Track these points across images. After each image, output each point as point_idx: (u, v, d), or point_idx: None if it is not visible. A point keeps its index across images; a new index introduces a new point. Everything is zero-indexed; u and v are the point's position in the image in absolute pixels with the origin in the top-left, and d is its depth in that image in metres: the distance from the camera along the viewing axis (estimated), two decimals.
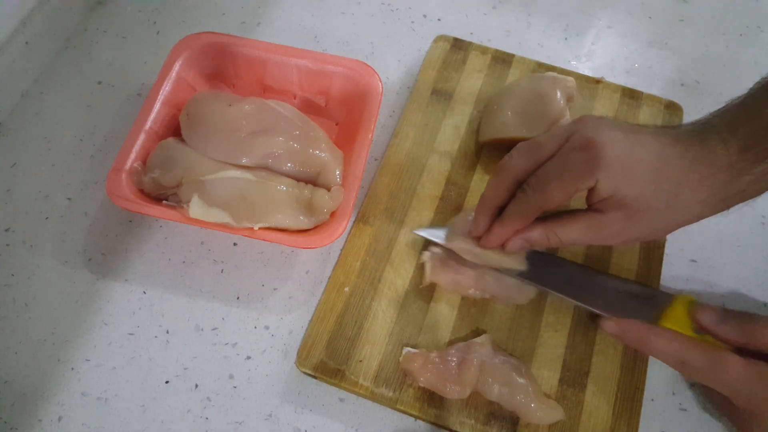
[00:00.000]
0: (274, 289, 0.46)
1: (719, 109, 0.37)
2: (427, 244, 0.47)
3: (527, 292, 0.44)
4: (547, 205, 0.37)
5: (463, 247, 0.43)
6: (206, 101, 0.48)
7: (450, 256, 0.45)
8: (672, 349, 0.37)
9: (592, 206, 0.37)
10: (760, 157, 0.34)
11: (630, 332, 0.39)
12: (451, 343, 0.44)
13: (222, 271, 0.47)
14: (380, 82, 0.49)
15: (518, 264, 0.43)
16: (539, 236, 0.39)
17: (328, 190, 0.45)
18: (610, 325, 0.39)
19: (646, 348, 0.38)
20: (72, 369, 0.43)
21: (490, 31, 0.60)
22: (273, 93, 0.52)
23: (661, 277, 0.47)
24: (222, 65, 0.51)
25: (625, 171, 0.35)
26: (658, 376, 0.44)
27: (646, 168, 0.35)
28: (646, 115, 0.54)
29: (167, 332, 0.45)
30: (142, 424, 0.41)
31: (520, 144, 0.39)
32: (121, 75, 0.56)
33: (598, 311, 0.41)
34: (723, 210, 0.36)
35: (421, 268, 0.46)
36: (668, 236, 0.48)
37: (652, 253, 0.47)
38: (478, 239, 0.42)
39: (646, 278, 0.46)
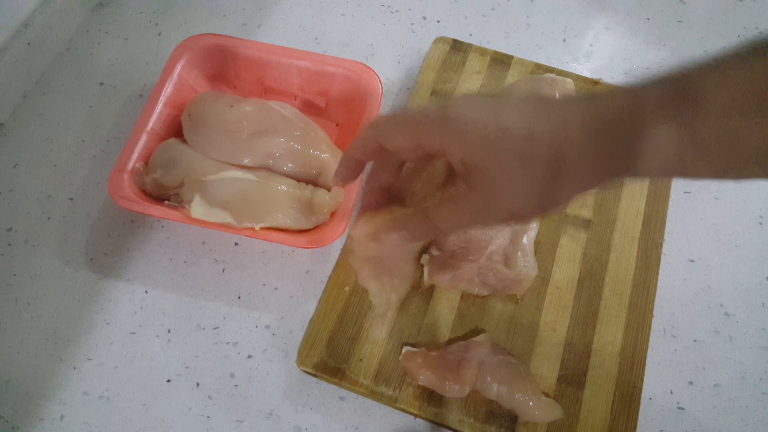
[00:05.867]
0: (275, 289, 0.47)
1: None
2: (427, 246, 0.47)
3: (526, 282, 0.45)
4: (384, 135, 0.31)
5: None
6: (208, 102, 0.48)
7: (450, 255, 0.45)
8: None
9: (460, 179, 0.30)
10: None
11: None
12: (450, 342, 0.44)
13: (223, 270, 0.47)
14: (380, 83, 0.49)
15: None
16: (416, 225, 0.32)
17: (329, 190, 0.45)
18: None
19: None
20: (74, 368, 0.43)
21: (489, 33, 0.61)
22: (274, 94, 0.52)
23: (659, 277, 0.47)
24: (223, 66, 0.51)
25: (468, 133, 0.28)
26: (657, 374, 0.44)
27: (482, 129, 0.27)
28: None
29: (169, 331, 0.45)
30: (144, 423, 0.42)
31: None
32: (123, 76, 0.56)
33: None
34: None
35: (421, 269, 0.46)
36: (666, 236, 0.49)
37: (650, 252, 0.48)
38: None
39: (644, 278, 0.47)
